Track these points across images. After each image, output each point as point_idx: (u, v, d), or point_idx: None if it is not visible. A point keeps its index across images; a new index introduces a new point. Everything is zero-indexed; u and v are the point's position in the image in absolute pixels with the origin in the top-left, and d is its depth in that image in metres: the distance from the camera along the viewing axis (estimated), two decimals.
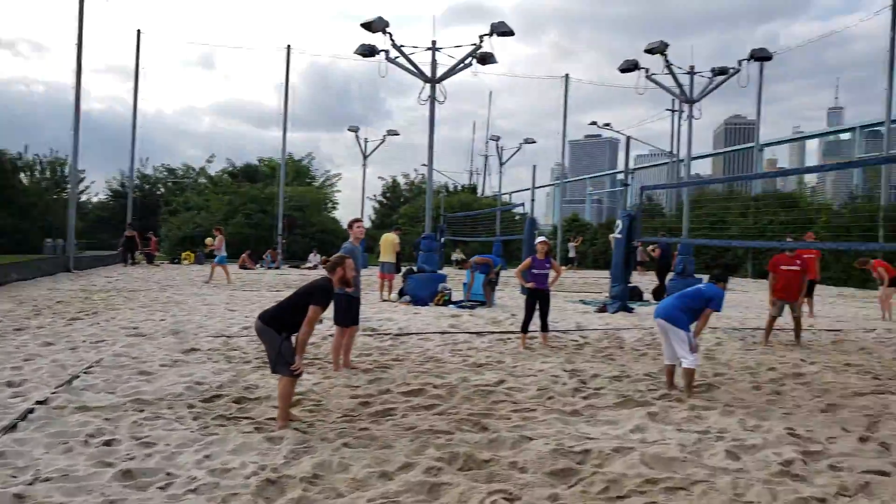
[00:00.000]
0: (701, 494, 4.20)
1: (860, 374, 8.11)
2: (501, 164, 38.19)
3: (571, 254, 31.64)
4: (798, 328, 10.28)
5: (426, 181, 16.38)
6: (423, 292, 14.44)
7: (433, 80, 15.10)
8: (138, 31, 32.49)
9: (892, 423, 5.96)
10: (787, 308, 10.36)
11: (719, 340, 10.23)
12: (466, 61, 15.03)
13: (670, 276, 17.05)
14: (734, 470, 4.64)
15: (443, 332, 10.29)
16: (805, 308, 13.32)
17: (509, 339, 9.96)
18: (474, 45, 14.77)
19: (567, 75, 34.85)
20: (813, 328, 11.96)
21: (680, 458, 4.80)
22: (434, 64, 15.21)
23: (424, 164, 16.38)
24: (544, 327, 9.48)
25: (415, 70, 15.08)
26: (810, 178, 40.05)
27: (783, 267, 10.25)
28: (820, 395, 6.91)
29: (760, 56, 16.77)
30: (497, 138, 38.39)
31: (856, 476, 4.59)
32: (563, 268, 30.54)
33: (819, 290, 17.47)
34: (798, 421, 5.96)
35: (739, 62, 16.77)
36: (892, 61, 22.35)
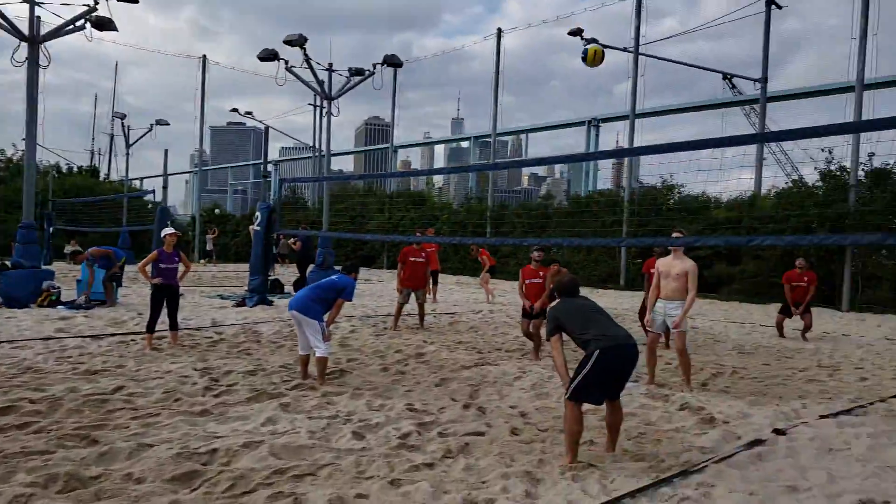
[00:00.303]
0: (327, 477, 4.34)
1: (468, 350, 9.30)
2: (128, 145, 34.53)
3: (209, 246, 30.30)
4: (422, 313, 11.39)
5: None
6: (21, 292, 12.32)
7: (33, 40, 12.86)
8: None
9: (489, 389, 6.96)
10: (413, 295, 11.36)
11: (354, 328, 10.79)
12: (78, 23, 13.09)
13: (311, 268, 17.50)
14: (358, 449, 4.91)
15: (47, 339, 8.87)
16: (429, 295, 14.86)
17: (133, 340, 9.08)
18: (87, 5, 12.95)
19: (205, 56, 32.92)
20: (434, 312, 13.38)
21: (309, 444, 4.90)
22: (35, 20, 12.96)
23: (24, 139, 13.84)
24: (173, 325, 8.86)
25: (7, 25, 12.64)
26: (438, 180, 44.71)
27: (411, 258, 11.24)
28: (436, 372, 7.74)
29: (392, 62, 18.16)
30: (122, 116, 34.41)
31: (459, 439, 5.22)
32: (202, 262, 29.27)
33: (441, 278, 19.66)
34: (416, 396, 6.58)
35: (374, 66, 17.93)
36: (496, 84, 26.28)
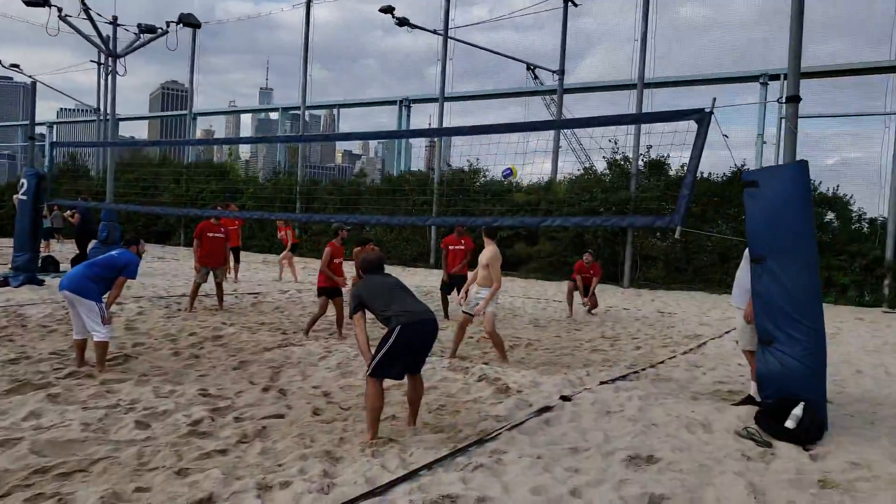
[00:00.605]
0: (101, 472, 3.94)
1: (272, 331, 8.97)
2: None
3: None
4: (221, 293, 10.77)
5: None
6: None
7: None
8: None
9: (291, 370, 6.75)
10: (212, 274, 10.70)
11: (142, 310, 9.94)
12: None
13: (93, 243, 15.88)
14: (142, 440, 4.52)
15: None
16: (230, 274, 14.14)
17: None
18: None
19: None
20: (236, 292, 12.75)
21: (80, 438, 4.43)
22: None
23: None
24: None
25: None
26: (245, 152, 42.58)
27: (209, 234, 10.56)
28: (234, 354, 7.35)
29: (189, 22, 16.83)
30: None
31: (256, 423, 5.00)
32: None
33: (245, 256, 18.84)
34: (211, 381, 6.20)
35: (168, 24, 16.50)
36: (305, 54, 25.52)
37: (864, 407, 6.06)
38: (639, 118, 7.49)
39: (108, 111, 19.15)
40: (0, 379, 5.77)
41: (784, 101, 6.12)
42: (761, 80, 22.39)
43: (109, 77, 17.41)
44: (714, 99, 6.25)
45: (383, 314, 4.78)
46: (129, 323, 8.86)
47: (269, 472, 4.05)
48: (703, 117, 6.13)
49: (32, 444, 4.21)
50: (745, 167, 18.10)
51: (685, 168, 18.61)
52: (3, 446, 4.15)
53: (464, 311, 7.85)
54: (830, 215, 16.67)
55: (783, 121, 6.14)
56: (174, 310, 10.26)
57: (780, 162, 6.54)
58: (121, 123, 39.20)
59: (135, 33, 16.42)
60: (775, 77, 21.75)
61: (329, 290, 8.81)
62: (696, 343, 9.42)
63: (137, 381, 5.95)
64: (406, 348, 4.72)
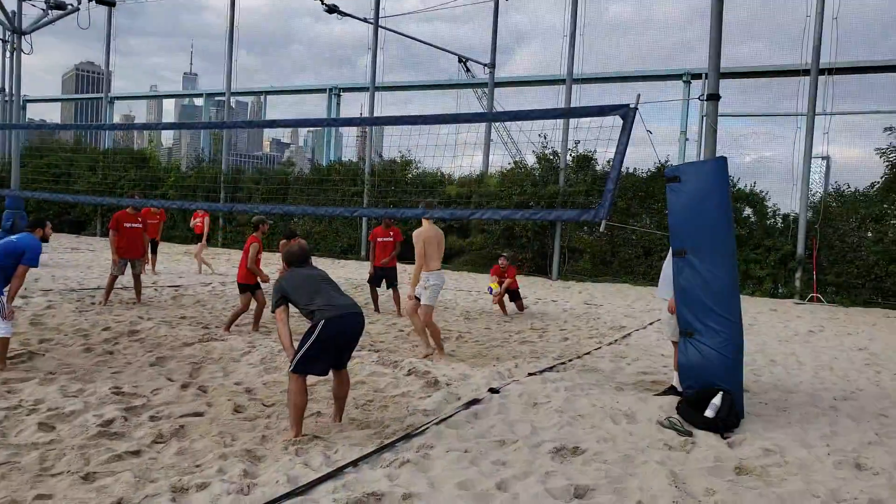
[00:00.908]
0: None
1: (192, 325, 8.63)
2: None
3: None
4: (138, 286, 10.30)
5: None
6: None
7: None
8: None
9: (212, 366, 6.51)
10: (130, 266, 10.22)
11: (51, 303, 9.39)
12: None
13: None
14: (45, 443, 4.25)
15: None
16: (148, 266, 13.57)
17: None
18: None
19: None
20: (155, 285, 12.25)
21: None
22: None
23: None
24: None
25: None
26: (167, 139, 41.04)
27: (126, 224, 10.08)
28: (152, 350, 7.03)
29: (104, 0, 15.99)
30: None
31: (173, 422, 4.78)
32: None
33: (166, 247, 18.15)
34: (126, 378, 5.91)
35: (79, 0, 15.60)
36: (230, 38, 24.72)
37: (777, 395, 6.31)
38: (567, 113, 7.57)
39: (13, 91, 18.00)
40: None
41: (705, 98, 6.29)
42: (684, 79, 23.16)
43: (14, 55, 16.36)
44: (638, 95, 6.35)
45: (307, 308, 4.65)
46: (36, 317, 8.35)
47: (186, 474, 3.87)
48: (627, 113, 6.23)
49: None
50: (669, 163, 18.67)
51: (611, 163, 19.10)
52: None
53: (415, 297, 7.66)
54: (748, 211, 17.38)
55: (705, 118, 6.31)
56: (87, 303, 9.75)
57: (701, 158, 6.73)
58: (29, 105, 37.05)
59: (42, 9, 15.45)
60: (697, 76, 22.54)
61: (251, 285, 8.56)
62: (621, 334, 9.63)
63: (42, 379, 5.60)
64: (330, 343, 4.61)
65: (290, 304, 4.78)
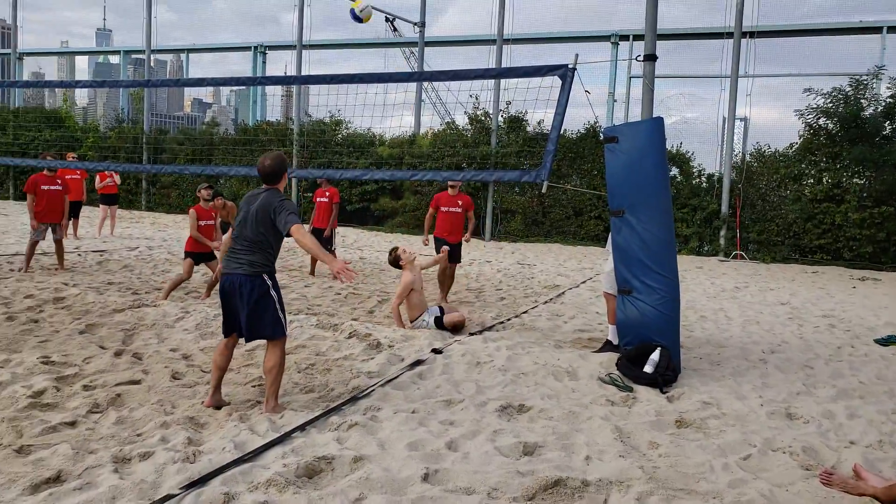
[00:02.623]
0: None
1: (121, 291, 8.32)
2: None
3: None
4: (61, 251, 9.81)
5: None
6: None
7: None
8: None
9: (145, 333, 6.30)
10: (50, 231, 9.71)
11: None
12: None
13: None
14: None
15: None
16: (70, 230, 12.94)
17: None
18: None
19: None
20: (78, 250, 11.70)
21: None
22: None
23: None
24: None
25: None
26: (81, 98, 38.76)
27: (44, 187, 9.53)
28: (80, 318, 6.74)
29: None
30: None
31: (108, 391, 4.62)
32: None
33: (90, 210, 17.28)
34: (54, 347, 5.66)
35: None
36: None
37: (710, 350, 6.61)
38: (504, 73, 7.55)
39: None
40: None
41: (642, 59, 6.38)
42: (612, 40, 23.41)
43: None
44: (577, 55, 6.40)
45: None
46: None
47: (127, 444, 3.76)
48: (566, 73, 6.27)
49: None
50: (598, 125, 18.96)
51: (542, 124, 19.23)
52: None
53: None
54: (674, 171, 17.91)
55: (642, 79, 6.42)
56: (6, 270, 9.23)
57: (633, 119, 6.86)
58: None
59: None
60: (625, 38, 22.83)
61: (198, 254, 8.25)
62: (556, 293, 9.85)
63: None
64: (222, 302, 4.41)
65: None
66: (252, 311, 4.28)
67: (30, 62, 34.73)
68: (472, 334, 6.65)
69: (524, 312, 8.20)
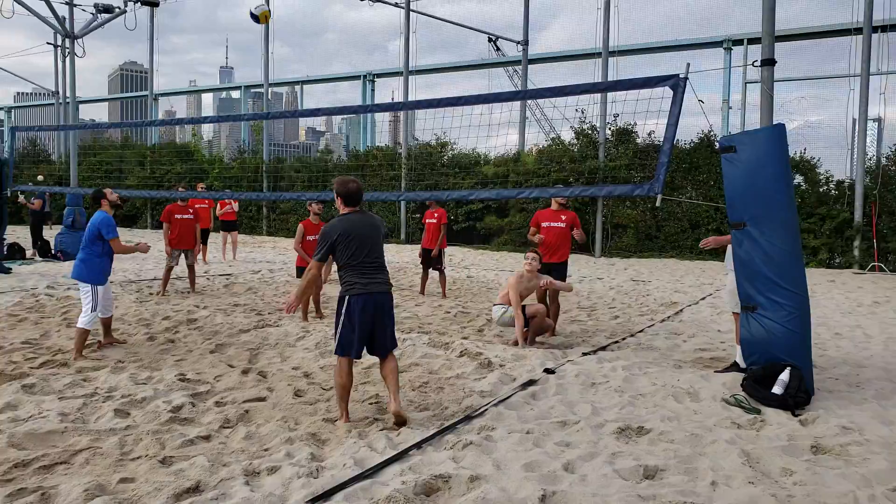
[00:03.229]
0: (83, 464, 3.81)
1: (246, 312, 8.81)
2: None
3: None
4: (192, 275, 10.55)
5: None
6: None
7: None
8: None
9: (269, 352, 6.63)
10: (183, 257, 10.45)
11: (114, 295, 9.65)
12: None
13: (60, 229, 15.48)
14: (122, 429, 4.39)
15: None
16: (199, 256, 13.86)
17: None
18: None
19: None
20: (207, 274, 12.51)
21: (60, 429, 4.28)
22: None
23: None
24: None
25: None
26: (207, 132, 41.59)
27: (177, 216, 10.28)
28: (210, 337, 7.19)
29: (147, 1, 16.33)
30: None
31: (237, 407, 4.89)
32: None
33: (215, 237, 18.46)
34: (189, 365, 6.06)
35: (126, 2, 15.97)
36: (266, 31, 24.90)
37: (847, 370, 6.14)
38: (612, 86, 7.43)
39: (68, 94, 18.49)
40: None
41: (759, 64, 6.10)
42: (725, 46, 22.50)
43: (67, 59, 16.80)
44: (688, 64, 6.22)
45: (341, 270, 4.57)
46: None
47: (256, 458, 3.96)
48: (677, 83, 6.10)
49: (10, 437, 4.05)
50: (713, 133, 18.24)
51: (652, 136, 18.70)
52: None
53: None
54: (799, 178, 16.91)
55: (760, 84, 6.12)
56: (146, 294, 10.02)
57: (749, 127, 6.55)
58: (80, 106, 38.02)
59: (92, 13, 15.86)
60: (738, 42, 21.89)
61: (303, 269, 8.64)
62: (674, 311, 9.50)
63: (114, 367, 5.79)
64: (356, 321, 4.50)
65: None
66: (392, 325, 4.67)
67: (163, 102, 37.69)
68: (584, 354, 6.53)
69: (640, 331, 7.97)
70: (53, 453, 3.90)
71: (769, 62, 6.03)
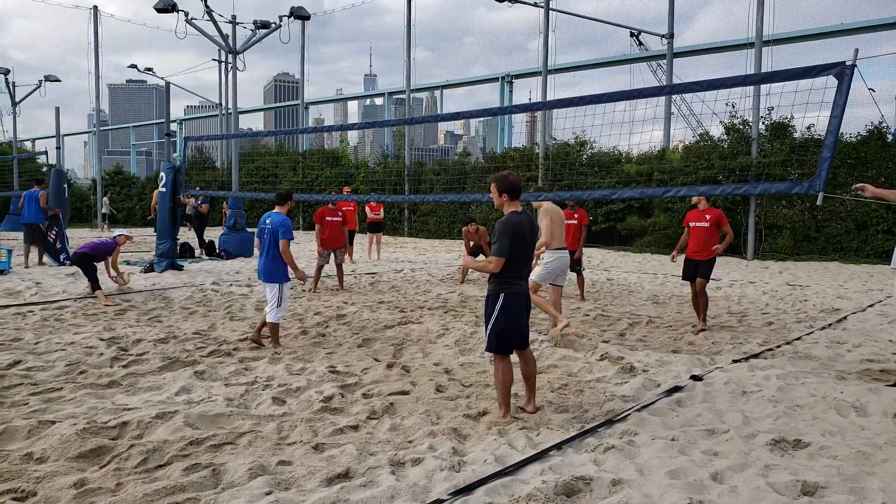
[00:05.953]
0: (247, 445, 4.14)
1: (390, 309, 9.16)
2: (14, 103, 31.65)
3: (105, 210, 28.54)
4: (341, 273, 11.14)
5: None
6: None
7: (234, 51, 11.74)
8: None
9: (412, 348, 6.87)
10: (332, 256, 11.07)
11: None
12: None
13: (221, 230, 16.92)
14: (280, 415, 4.72)
15: None
16: (347, 255, 14.59)
17: (31, 312, 8.45)
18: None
19: (95, 7, 30.09)
20: (354, 273, 13.14)
21: (226, 412, 4.67)
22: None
23: None
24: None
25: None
26: (353, 138, 43.71)
27: (328, 218, 10.92)
28: (358, 332, 7.57)
29: (300, 15, 17.43)
30: (6, 71, 31.19)
31: (383, 399, 5.11)
32: (104, 226, 27.74)
33: (360, 238, 19.35)
34: (338, 358, 6.41)
35: (281, 17, 17.15)
36: (408, 37, 25.72)
37: None
38: (768, 77, 6.99)
39: (230, 105, 20.17)
40: (153, 356, 6.23)
41: None
42: None
43: (230, 73, 18.32)
44: (856, 50, 5.75)
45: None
46: (260, 303, 9.31)
47: (400, 449, 4.12)
48: (843, 72, 5.66)
49: (186, 417, 4.49)
50: (884, 125, 16.63)
51: (812, 129, 17.33)
52: (161, 418, 4.46)
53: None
54: None
55: None
56: (298, 290, 10.70)
57: None
58: (240, 116, 41.34)
59: (251, 30, 17.21)
60: None
61: None
62: (836, 318, 8.78)
63: (271, 359, 6.25)
64: (519, 317, 4.67)
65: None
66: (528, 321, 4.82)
67: (313, 110, 40.01)
68: (734, 361, 6.20)
69: (797, 339, 7.44)
70: (222, 434, 4.28)
71: None
